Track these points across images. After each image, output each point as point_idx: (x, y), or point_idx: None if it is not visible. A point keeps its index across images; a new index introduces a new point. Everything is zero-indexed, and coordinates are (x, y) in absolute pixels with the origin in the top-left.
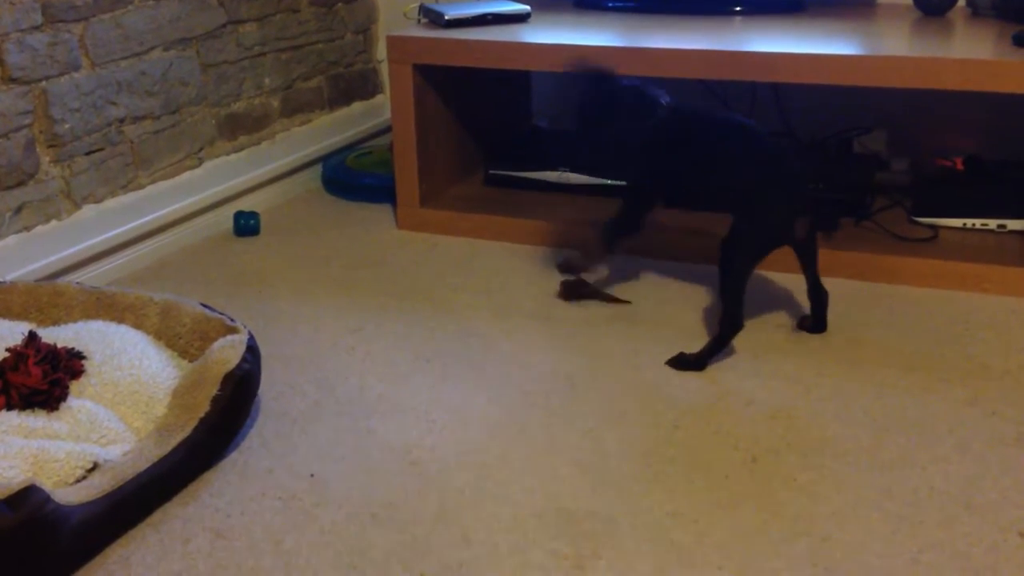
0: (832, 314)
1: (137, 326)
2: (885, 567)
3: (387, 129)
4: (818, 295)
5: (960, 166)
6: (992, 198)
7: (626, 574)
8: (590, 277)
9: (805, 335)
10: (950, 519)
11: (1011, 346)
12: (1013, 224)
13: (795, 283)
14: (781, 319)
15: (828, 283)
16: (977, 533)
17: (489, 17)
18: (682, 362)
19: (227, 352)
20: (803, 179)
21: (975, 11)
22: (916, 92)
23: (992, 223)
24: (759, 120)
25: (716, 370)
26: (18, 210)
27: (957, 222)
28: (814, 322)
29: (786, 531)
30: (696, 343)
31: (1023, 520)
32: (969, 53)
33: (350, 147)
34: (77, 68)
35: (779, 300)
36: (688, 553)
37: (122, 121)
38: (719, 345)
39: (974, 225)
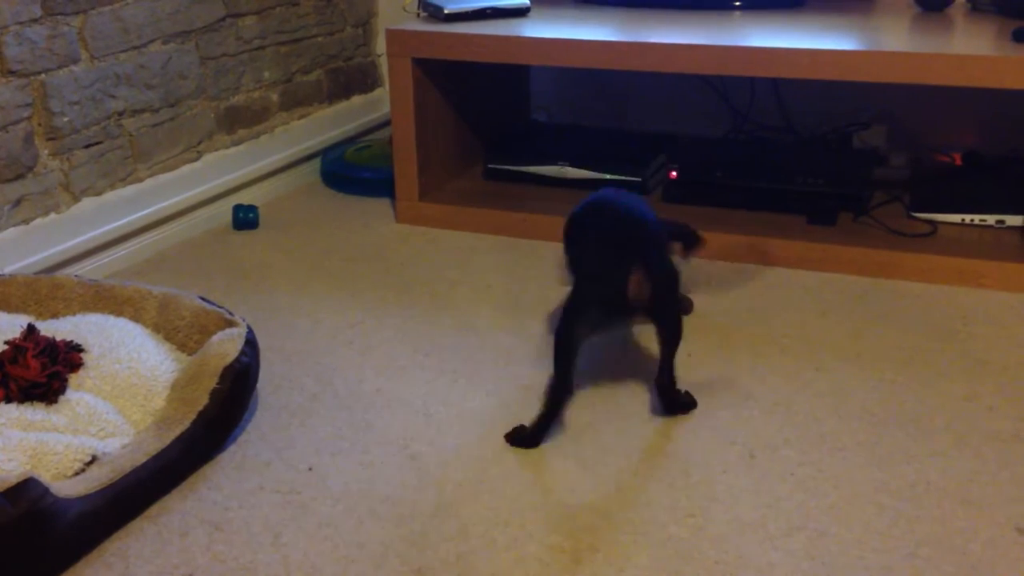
0: (831, 309)
1: (136, 319)
2: (882, 562)
3: (386, 123)
4: (662, 385)
5: (959, 161)
6: (991, 194)
7: (623, 568)
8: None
9: (805, 328)
10: (947, 514)
11: (1009, 341)
12: (1012, 220)
13: (798, 278)
14: (777, 314)
15: (828, 278)
16: (974, 528)
17: (488, 11)
18: (517, 438)
19: (226, 345)
20: (636, 248)
21: (975, 6)
22: (915, 87)
23: (991, 219)
24: (760, 114)
25: (714, 365)
26: (17, 203)
27: (956, 217)
28: (665, 406)
29: (783, 525)
30: (692, 340)
31: (1020, 515)
32: (968, 49)
33: (349, 141)
34: (76, 61)
35: (777, 294)
36: (685, 547)
37: (121, 114)
38: (546, 417)
39: (973, 221)
